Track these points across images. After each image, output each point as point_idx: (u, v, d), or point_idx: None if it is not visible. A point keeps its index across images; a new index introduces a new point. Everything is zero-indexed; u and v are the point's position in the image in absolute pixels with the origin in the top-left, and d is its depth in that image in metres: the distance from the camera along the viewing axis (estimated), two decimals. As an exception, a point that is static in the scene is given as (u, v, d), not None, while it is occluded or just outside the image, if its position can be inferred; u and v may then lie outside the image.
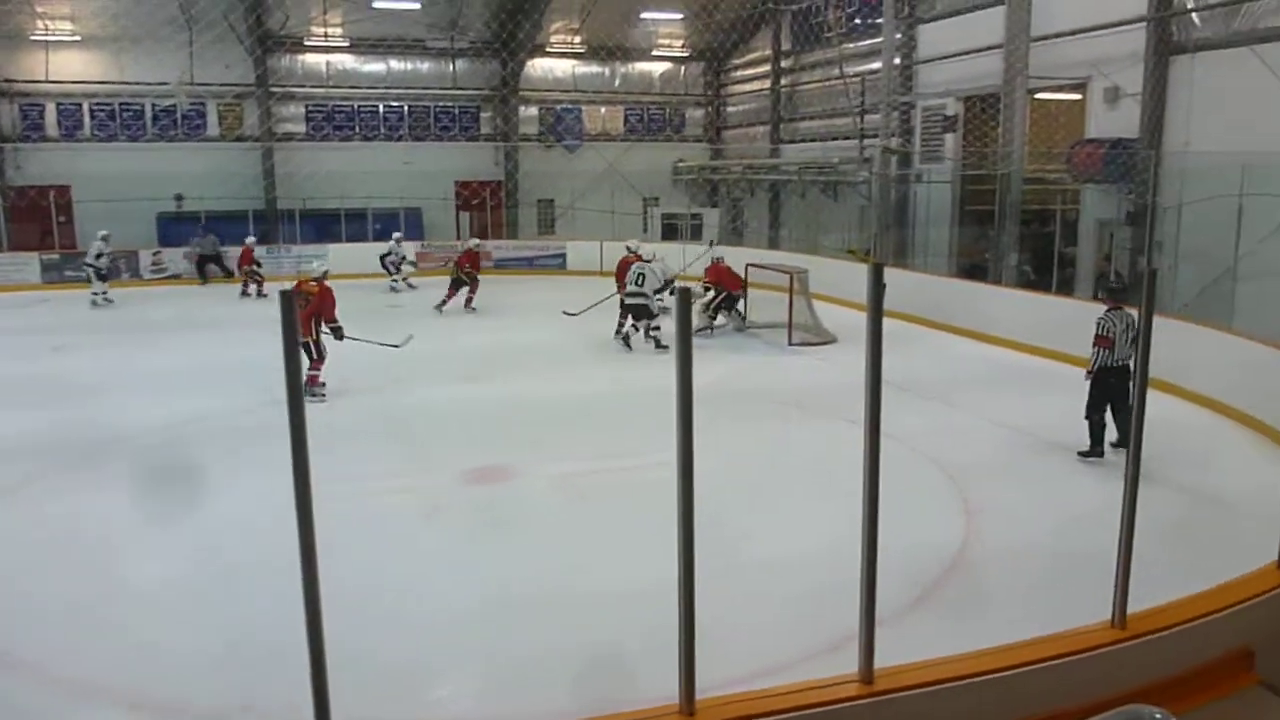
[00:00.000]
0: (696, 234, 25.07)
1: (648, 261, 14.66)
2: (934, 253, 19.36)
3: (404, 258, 21.79)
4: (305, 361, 10.84)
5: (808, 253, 20.54)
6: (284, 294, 1.98)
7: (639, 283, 14.31)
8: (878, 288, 2.45)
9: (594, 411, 10.74)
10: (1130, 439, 3.08)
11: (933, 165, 19.75)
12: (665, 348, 13.82)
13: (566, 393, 11.64)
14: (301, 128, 25.86)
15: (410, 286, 21.18)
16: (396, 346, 12.72)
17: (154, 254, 22.76)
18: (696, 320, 15.47)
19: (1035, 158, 17.50)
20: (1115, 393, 8.56)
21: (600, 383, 12.20)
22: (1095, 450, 8.70)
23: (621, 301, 14.48)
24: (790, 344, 14.58)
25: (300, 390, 2.06)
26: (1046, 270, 15.57)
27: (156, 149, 24.40)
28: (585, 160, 27.68)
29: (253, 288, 20.41)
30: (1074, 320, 13.17)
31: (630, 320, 14.41)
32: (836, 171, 21.99)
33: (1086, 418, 8.72)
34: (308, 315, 11.02)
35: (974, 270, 18.09)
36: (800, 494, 7.86)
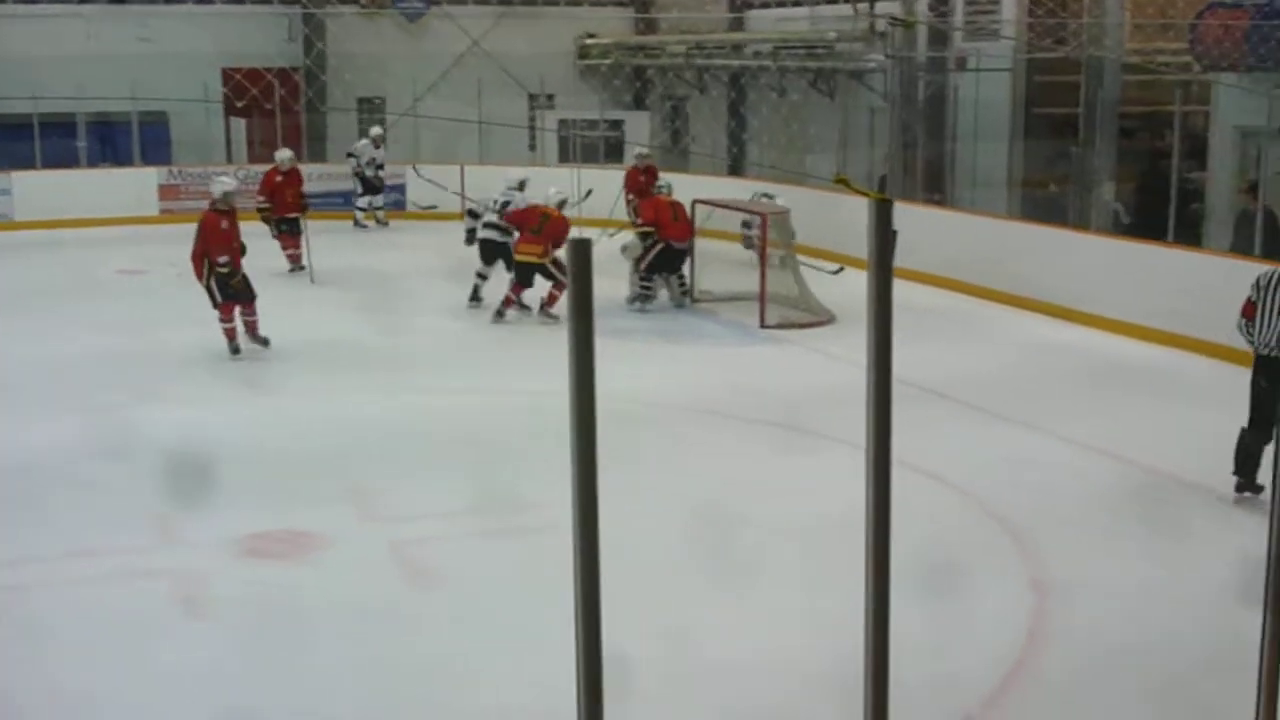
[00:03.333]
0: (615, 153, 25.05)
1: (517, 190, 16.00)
2: (987, 182, 19.65)
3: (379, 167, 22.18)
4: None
5: (791, 183, 20.67)
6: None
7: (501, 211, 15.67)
8: (884, 237, 2.43)
9: (456, 440, 10.67)
10: (1276, 471, 3.10)
11: (983, 45, 20.04)
12: (554, 318, 14.89)
13: (412, 409, 11.56)
14: (-40, -23, 25.23)
15: (381, 223, 21.86)
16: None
17: None
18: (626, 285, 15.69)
19: (1141, 33, 17.87)
20: (1266, 400, 8.79)
21: (469, 393, 12.11)
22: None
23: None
24: (764, 326, 14.73)
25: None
26: (1158, 208, 15.89)
27: None
28: (436, 36, 27.48)
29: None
30: (1206, 285, 13.49)
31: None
32: (834, 55, 22.15)
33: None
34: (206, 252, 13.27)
35: (1048, 209, 18.40)
36: (778, 564, 7.90)
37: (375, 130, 22.95)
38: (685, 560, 7.78)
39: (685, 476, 9.55)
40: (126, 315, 14.73)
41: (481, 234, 15.88)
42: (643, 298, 15.87)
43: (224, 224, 13.40)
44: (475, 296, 15.74)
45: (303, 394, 12.11)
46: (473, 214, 16.65)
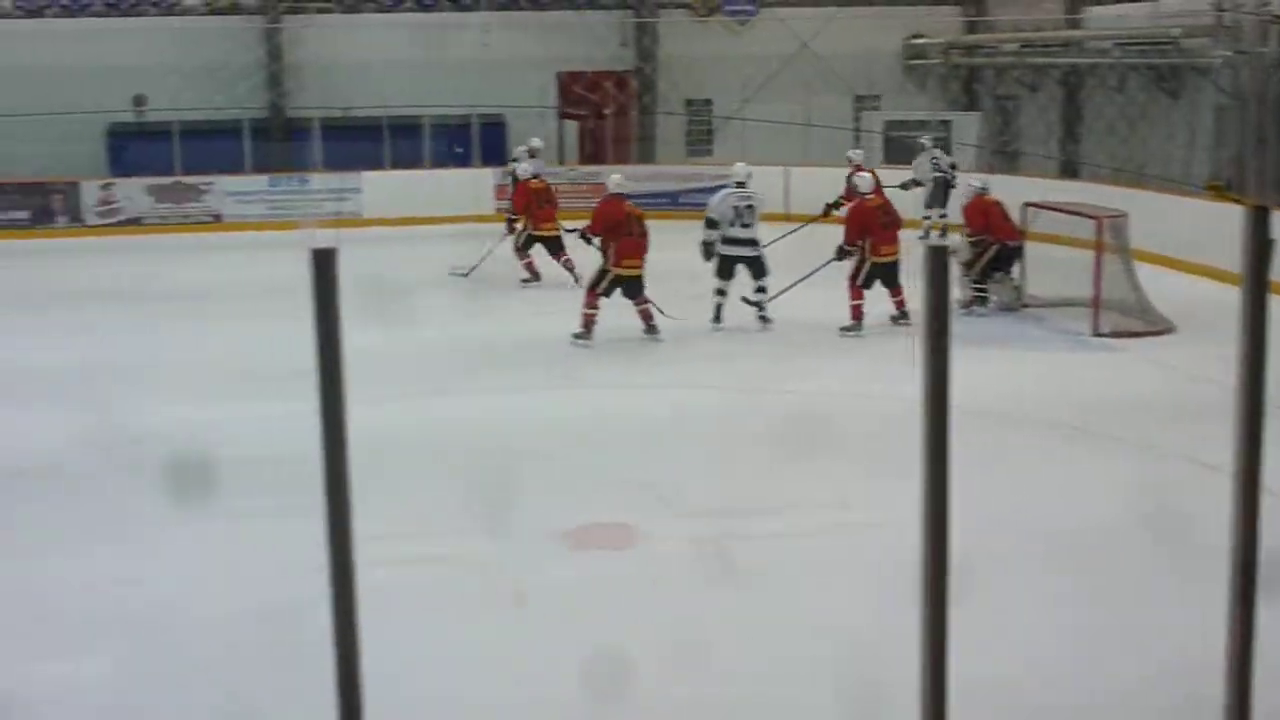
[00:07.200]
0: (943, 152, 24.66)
1: (742, 186, 15.15)
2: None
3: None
4: None
5: (1127, 186, 20.02)
6: (318, 253, 2.03)
7: (747, 219, 14.94)
8: (1261, 244, 2.26)
9: (757, 436, 10.73)
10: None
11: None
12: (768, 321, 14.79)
13: (713, 403, 11.79)
14: (326, -8, 26.58)
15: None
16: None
17: (102, 186, 23.71)
18: (955, 291, 15.41)
19: None
20: None
21: (761, 393, 12.20)
22: None
23: (721, 255, 14.99)
24: (1097, 334, 14.43)
25: (340, 413, 2.13)
26: None
27: (106, 29, 25.27)
28: (763, 38, 27.63)
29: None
30: None
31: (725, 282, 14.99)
32: (1178, 51, 21.47)
33: None
34: None
35: None
36: (1102, 588, 7.65)
37: (535, 142, 20.04)
38: (994, 567, 7.66)
39: (1009, 487, 9.34)
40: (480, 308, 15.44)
41: (722, 249, 14.83)
42: (978, 300, 15.66)
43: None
44: (718, 317, 14.93)
45: (606, 386, 12.44)
46: (710, 223, 14.97)
